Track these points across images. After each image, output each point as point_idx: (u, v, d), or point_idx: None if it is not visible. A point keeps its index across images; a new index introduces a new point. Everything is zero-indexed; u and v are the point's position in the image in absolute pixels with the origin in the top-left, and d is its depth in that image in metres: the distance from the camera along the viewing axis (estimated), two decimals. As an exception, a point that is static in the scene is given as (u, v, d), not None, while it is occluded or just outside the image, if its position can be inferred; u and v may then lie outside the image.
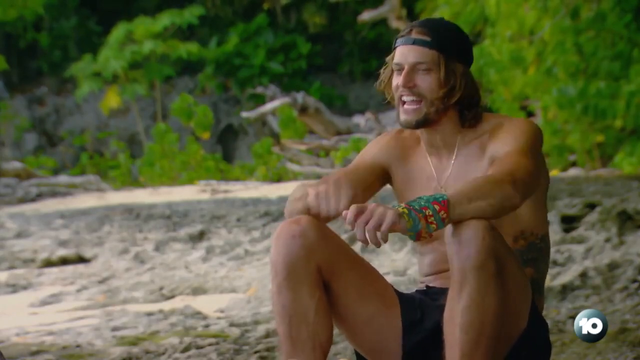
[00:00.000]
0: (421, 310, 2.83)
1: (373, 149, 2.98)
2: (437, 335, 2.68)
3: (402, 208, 2.54)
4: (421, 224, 2.54)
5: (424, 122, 2.85)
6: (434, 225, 2.55)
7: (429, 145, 2.91)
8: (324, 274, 2.76)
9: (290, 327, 2.73)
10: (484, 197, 2.60)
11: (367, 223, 2.52)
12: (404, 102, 2.84)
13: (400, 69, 2.84)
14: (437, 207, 2.55)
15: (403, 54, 2.83)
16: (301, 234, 2.74)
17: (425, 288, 2.94)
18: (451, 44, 2.83)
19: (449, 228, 2.62)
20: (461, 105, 2.86)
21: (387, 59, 2.91)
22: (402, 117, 2.85)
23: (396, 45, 2.86)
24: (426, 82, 2.82)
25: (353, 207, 2.53)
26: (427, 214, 2.55)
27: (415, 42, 2.82)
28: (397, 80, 2.84)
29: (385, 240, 2.53)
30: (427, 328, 2.79)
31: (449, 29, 2.86)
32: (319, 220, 2.76)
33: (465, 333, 2.59)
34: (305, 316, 2.73)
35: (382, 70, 2.93)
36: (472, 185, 2.64)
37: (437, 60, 2.81)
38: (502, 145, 2.79)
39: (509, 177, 2.63)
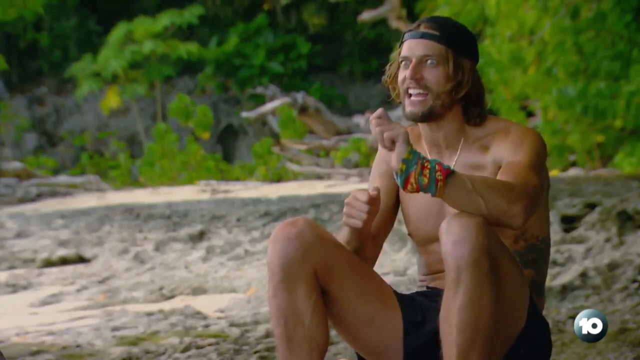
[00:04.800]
0: (422, 313, 2.82)
1: (377, 162, 2.99)
2: (438, 338, 2.67)
3: (413, 147, 2.58)
4: (415, 168, 2.56)
5: (429, 115, 2.83)
6: (425, 178, 2.56)
7: (431, 144, 2.90)
8: (320, 276, 2.76)
9: (287, 329, 2.73)
10: (488, 199, 2.60)
11: (380, 126, 2.59)
12: (410, 95, 2.83)
13: (408, 62, 2.83)
14: (437, 167, 2.57)
15: (411, 47, 2.83)
16: (297, 235, 2.74)
17: (425, 288, 2.93)
18: (459, 40, 2.83)
19: (443, 225, 2.61)
20: (467, 102, 2.85)
21: (394, 54, 2.90)
22: (408, 108, 2.84)
23: (404, 39, 2.86)
24: (433, 75, 2.81)
25: (381, 114, 2.60)
26: (425, 165, 2.57)
27: (423, 36, 2.82)
28: (404, 73, 2.83)
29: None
30: (428, 331, 2.78)
31: (457, 26, 2.86)
32: (366, 232, 2.82)
33: (461, 333, 2.59)
34: (301, 318, 2.73)
35: (388, 66, 2.93)
36: (487, 181, 2.63)
37: (445, 54, 2.81)
38: (512, 153, 2.77)
39: (526, 200, 2.62)
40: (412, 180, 2.57)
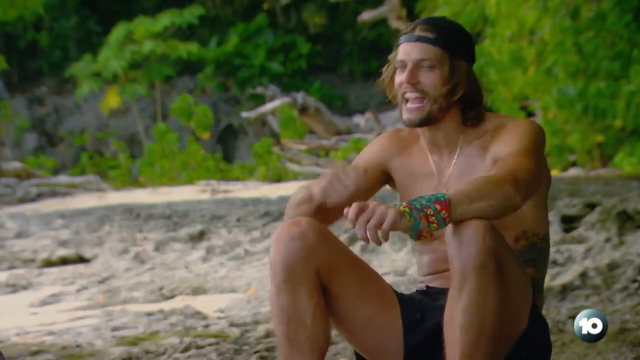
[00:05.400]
0: (421, 311, 2.83)
1: (370, 149, 2.98)
2: (437, 335, 2.68)
3: (404, 207, 2.53)
4: (422, 223, 2.53)
5: (427, 120, 2.84)
6: (435, 225, 2.55)
7: (431, 144, 2.90)
8: (323, 276, 2.76)
9: (289, 329, 2.73)
10: (485, 198, 2.60)
11: (368, 221, 2.50)
12: (407, 100, 2.83)
13: (404, 66, 2.83)
14: (438, 206, 2.54)
15: (406, 51, 2.83)
16: (300, 235, 2.74)
17: (425, 288, 2.94)
18: (455, 42, 2.82)
19: (449, 228, 2.61)
20: (464, 103, 2.85)
21: (390, 57, 2.90)
22: (405, 115, 2.84)
23: (399, 43, 2.85)
24: (430, 79, 2.81)
25: (355, 205, 2.52)
26: (428, 213, 2.54)
27: (419, 39, 2.81)
28: (400, 77, 2.83)
29: (386, 239, 2.52)
30: (427, 328, 2.79)
31: (453, 27, 2.86)
32: (330, 210, 2.80)
33: (465, 333, 2.59)
34: (303, 318, 2.73)
35: (384, 69, 2.92)
36: (474, 185, 2.63)
37: (441, 57, 2.80)
38: (505, 146, 2.78)
39: (511, 178, 2.63)
40: (424, 234, 2.55)
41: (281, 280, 2.74)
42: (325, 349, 2.76)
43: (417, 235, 2.55)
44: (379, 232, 2.50)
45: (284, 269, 2.74)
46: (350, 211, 2.52)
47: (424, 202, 2.55)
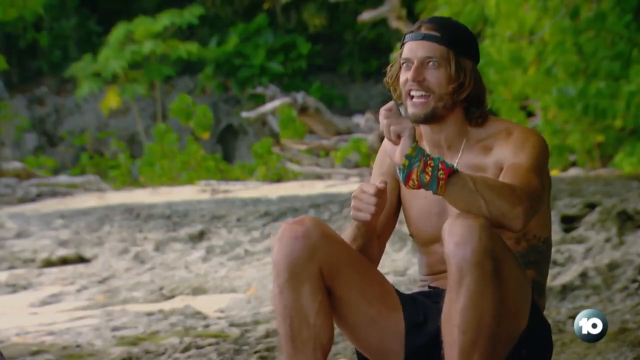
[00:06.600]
0: (424, 313, 2.82)
1: (376, 167, 2.98)
2: (439, 338, 2.67)
3: (417, 143, 2.58)
4: (418, 165, 2.56)
5: (431, 117, 2.83)
6: (427, 176, 2.57)
7: (432, 146, 2.89)
8: (326, 275, 2.76)
9: (292, 328, 2.73)
10: (490, 201, 2.59)
11: (388, 118, 2.60)
12: (412, 97, 2.83)
13: (409, 64, 2.83)
14: (440, 166, 2.57)
15: (412, 49, 2.83)
16: (304, 234, 2.74)
17: (427, 288, 2.93)
18: (460, 41, 2.82)
19: (445, 227, 2.61)
20: (469, 103, 2.85)
21: (395, 55, 2.90)
22: (410, 110, 2.83)
23: (405, 41, 2.85)
24: (435, 77, 2.81)
25: (393, 104, 2.62)
26: (428, 162, 2.57)
27: (425, 37, 2.81)
28: (406, 75, 2.83)
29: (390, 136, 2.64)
30: (430, 331, 2.78)
31: (458, 26, 2.86)
32: (372, 228, 2.82)
33: (463, 333, 2.59)
34: (306, 317, 2.73)
35: (389, 68, 2.92)
36: (488, 181, 2.63)
37: (447, 55, 2.80)
38: (514, 155, 2.76)
39: (528, 203, 2.61)
40: (414, 176, 2.57)
41: (284, 279, 2.74)
42: (328, 348, 2.76)
43: (407, 175, 2.57)
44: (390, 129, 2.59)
45: (287, 268, 2.74)
46: (386, 108, 2.61)
47: (432, 155, 2.59)
